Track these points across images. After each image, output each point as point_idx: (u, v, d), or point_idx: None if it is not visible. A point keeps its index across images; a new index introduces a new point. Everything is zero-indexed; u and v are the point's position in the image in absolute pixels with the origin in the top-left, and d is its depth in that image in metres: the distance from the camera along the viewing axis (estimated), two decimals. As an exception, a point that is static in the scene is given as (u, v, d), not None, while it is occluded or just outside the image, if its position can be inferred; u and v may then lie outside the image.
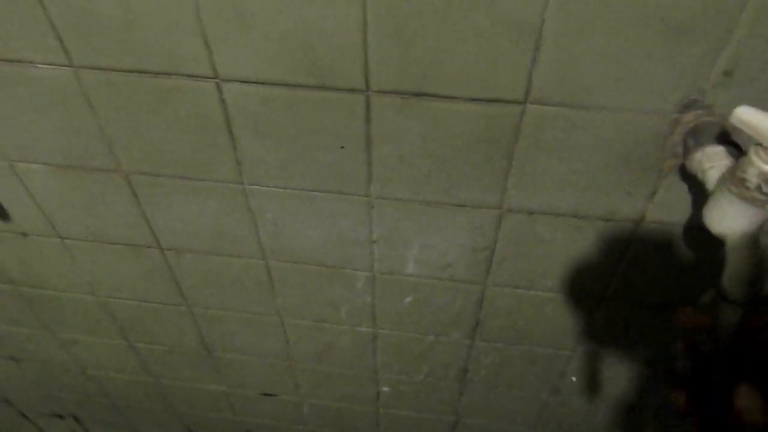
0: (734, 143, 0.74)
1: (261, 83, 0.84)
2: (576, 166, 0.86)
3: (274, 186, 0.99)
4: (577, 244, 0.99)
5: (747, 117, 0.60)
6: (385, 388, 1.52)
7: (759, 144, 0.60)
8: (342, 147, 0.90)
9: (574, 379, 1.32)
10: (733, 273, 0.65)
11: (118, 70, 0.86)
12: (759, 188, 0.62)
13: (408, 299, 1.19)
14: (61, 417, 2.02)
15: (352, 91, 0.82)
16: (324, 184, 0.97)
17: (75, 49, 0.84)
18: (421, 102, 0.81)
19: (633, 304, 1.08)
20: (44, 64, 0.87)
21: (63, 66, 0.87)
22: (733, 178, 0.65)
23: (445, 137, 0.86)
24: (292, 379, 1.55)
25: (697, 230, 0.92)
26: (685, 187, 0.86)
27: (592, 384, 1.34)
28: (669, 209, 0.90)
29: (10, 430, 2.16)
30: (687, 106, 0.76)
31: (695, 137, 0.77)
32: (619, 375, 1.29)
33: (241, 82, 0.84)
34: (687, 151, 0.78)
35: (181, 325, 1.41)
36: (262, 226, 1.08)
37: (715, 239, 0.70)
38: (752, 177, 0.62)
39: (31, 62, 0.87)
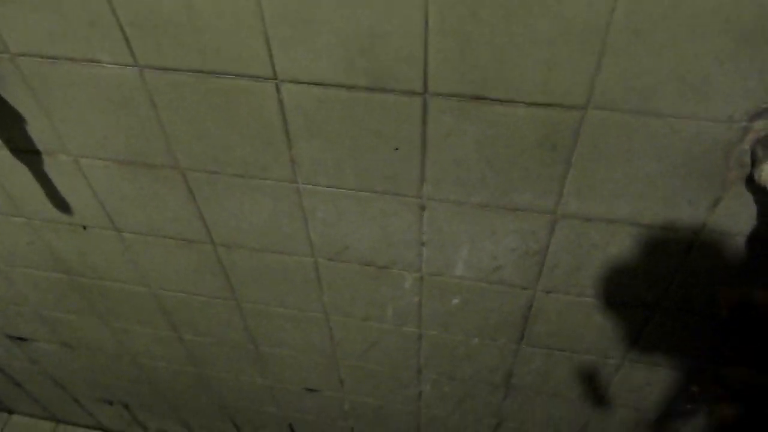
0: (807, 153, 0.71)
1: (318, 84, 0.85)
2: (636, 173, 0.85)
3: (327, 185, 1.00)
4: (633, 252, 0.97)
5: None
6: (428, 388, 1.52)
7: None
8: (396, 149, 0.91)
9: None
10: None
11: (181, 71, 0.88)
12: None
13: (455, 301, 1.19)
14: (110, 403, 2.09)
15: (410, 93, 0.82)
16: (376, 185, 0.98)
17: (141, 49, 0.86)
18: (480, 105, 0.81)
19: (689, 314, 1.05)
20: (111, 64, 0.90)
21: (129, 66, 0.89)
22: (808, 191, 0.62)
23: (501, 141, 0.85)
24: (335, 375, 1.56)
25: (761, 242, 0.89)
26: (750, 198, 0.83)
27: (636, 395, 1.31)
28: (732, 220, 0.87)
29: (63, 413, 2.25)
30: (757, 115, 0.74)
31: (765, 147, 0.74)
32: (666, 387, 1.26)
33: (299, 83, 0.85)
34: (755, 161, 0.76)
35: (229, 318, 1.44)
36: (312, 225, 1.09)
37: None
38: (829, 190, 0.60)
39: (98, 62, 0.90)
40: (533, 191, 0.92)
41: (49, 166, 1.12)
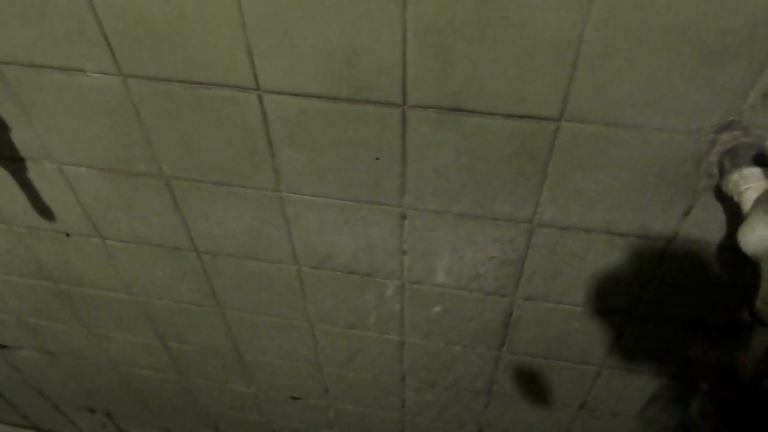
0: (772, 165, 0.74)
1: (301, 95, 0.86)
2: (610, 182, 0.87)
3: (309, 194, 1.02)
4: (609, 259, 0.99)
5: (785, 141, 0.60)
6: (411, 395, 1.53)
7: (797, 168, 0.61)
8: (377, 159, 0.92)
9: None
10: None
11: (165, 80, 0.89)
12: (796, 212, 0.62)
13: (436, 309, 1.20)
14: (92, 411, 2.08)
15: (390, 105, 0.84)
16: (358, 194, 0.99)
17: (125, 58, 0.88)
18: (457, 117, 0.83)
19: (664, 321, 1.08)
20: (95, 73, 0.91)
21: (113, 74, 0.90)
22: (770, 201, 0.65)
23: (479, 152, 0.87)
24: (319, 383, 1.57)
25: (730, 250, 0.92)
26: (719, 207, 0.86)
27: (618, 400, 1.33)
28: (703, 228, 0.90)
29: (44, 422, 2.23)
30: (724, 127, 0.76)
31: (732, 158, 0.77)
32: (645, 392, 1.28)
33: (281, 93, 0.87)
34: (723, 172, 0.78)
35: (214, 326, 1.45)
36: (296, 233, 1.11)
37: (749, 260, 0.70)
38: (789, 201, 0.62)
39: (82, 70, 0.91)
40: (511, 201, 0.94)
41: (33, 173, 1.12)
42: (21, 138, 1.05)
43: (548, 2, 0.68)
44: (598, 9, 0.67)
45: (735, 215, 0.85)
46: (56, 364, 1.84)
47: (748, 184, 0.73)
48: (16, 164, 1.11)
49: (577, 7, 0.68)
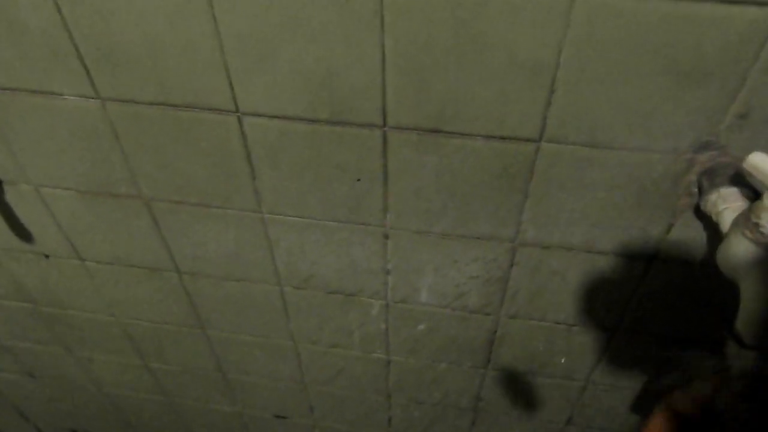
0: (748, 185, 0.75)
1: (281, 117, 0.86)
2: (590, 202, 0.87)
3: (291, 215, 1.01)
4: (591, 277, 0.99)
5: (760, 164, 0.61)
6: (398, 413, 1.51)
7: (772, 191, 0.61)
8: (358, 180, 0.92)
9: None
10: (747, 318, 0.65)
11: (143, 103, 0.88)
12: (773, 234, 0.62)
13: (421, 327, 1.20)
14: (75, 433, 2.04)
15: (370, 126, 0.84)
16: (340, 215, 0.99)
17: (102, 82, 0.87)
18: (438, 138, 0.83)
19: (646, 337, 1.08)
20: (72, 96, 0.90)
21: (90, 98, 0.89)
22: (748, 223, 0.65)
23: (460, 172, 0.87)
24: (304, 402, 1.56)
25: (711, 267, 0.92)
26: (699, 225, 0.86)
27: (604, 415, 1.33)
28: (683, 247, 0.90)
29: (25, 444, 2.18)
30: (701, 147, 0.77)
31: (710, 177, 0.77)
32: (627, 405, 1.29)
33: (261, 116, 0.86)
34: (702, 191, 0.79)
35: (197, 346, 1.43)
36: (278, 254, 1.10)
37: (729, 279, 0.70)
38: (766, 222, 0.63)
39: (59, 94, 0.90)
40: (493, 220, 0.94)
41: (10, 195, 1.11)
42: (-3, 160, 1.04)
43: (524, 26, 0.68)
44: (574, 33, 0.68)
45: (714, 234, 0.86)
46: (38, 387, 1.81)
47: (725, 204, 0.73)
48: (-8, 186, 1.09)
49: (554, 31, 0.68)
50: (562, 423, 1.40)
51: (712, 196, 0.76)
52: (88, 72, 0.86)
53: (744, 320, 0.65)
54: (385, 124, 0.83)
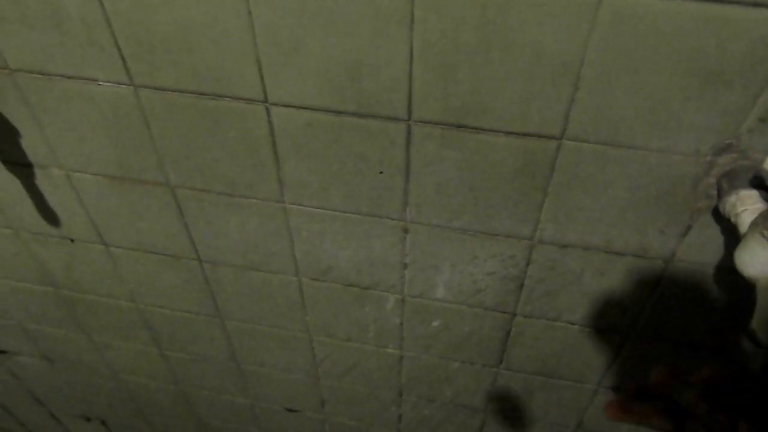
0: (768, 188, 0.75)
1: (308, 108, 0.88)
2: (609, 201, 0.88)
3: (313, 206, 1.03)
4: (607, 278, 1.00)
5: (781, 164, 0.62)
6: (408, 411, 1.53)
7: (792, 191, 0.62)
8: (381, 172, 0.94)
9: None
10: (763, 317, 0.66)
11: (176, 91, 0.91)
12: (791, 234, 0.63)
13: (436, 323, 1.21)
14: (88, 419, 2.07)
15: (395, 120, 0.86)
16: (361, 207, 1.01)
17: (137, 69, 0.90)
18: (461, 134, 0.85)
19: (661, 341, 1.08)
20: (107, 82, 0.93)
21: (124, 84, 0.92)
22: (766, 223, 0.66)
23: (482, 168, 0.89)
24: (316, 396, 1.57)
25: (728, 271, 0.93)
26: (717, 228, 0.87)
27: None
28: (701, 249, 0.91)
29: (39, 429, 2.22)
30: (722, 150, 0.78)
31: (729, 180, 0.78)
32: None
33: (288, 106, 0.89)
34: (721, 194, 0.80)
35: (213, 336, 1.45)
36: (298, 244, 1.12)
37: (746, 282, 0.71)
38: (785, 223, 0.64)
39: (95, 80, 0.93)
40: (512, 217, 0.95)
41: (41, 179, 1.14)
42: (30, 144, 1.07)
43: (550, 25, 0.70)
44: (599, 33, 0.69)
45: (732, 236, 0.86)
46: (54, 371, 1.84)
47: (744, 206, 0.74)
48: (24, 170, 1.12)
49: (579, 31, 0.70)
50: (572, 428, 1.40)
51: (731, 199, 0.77)
52: (123, 59, 0.89)
53: (761, 319, 0.66)
54: (410, 118, 0.85)
